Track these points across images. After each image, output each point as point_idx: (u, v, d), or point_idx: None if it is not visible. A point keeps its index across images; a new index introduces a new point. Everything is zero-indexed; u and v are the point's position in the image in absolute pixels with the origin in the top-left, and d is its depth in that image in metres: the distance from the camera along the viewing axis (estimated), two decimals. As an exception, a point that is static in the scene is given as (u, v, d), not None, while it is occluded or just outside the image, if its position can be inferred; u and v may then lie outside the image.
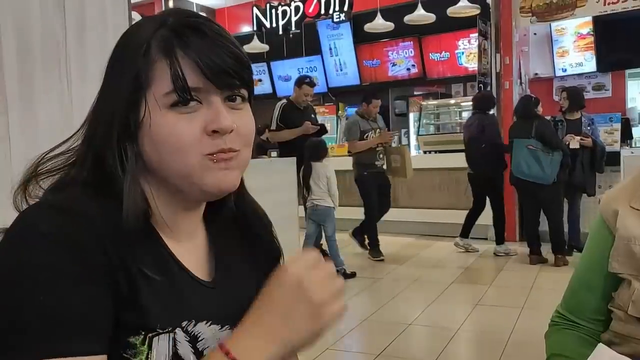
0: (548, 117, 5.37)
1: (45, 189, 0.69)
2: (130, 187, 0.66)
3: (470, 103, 6.92)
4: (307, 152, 4.70)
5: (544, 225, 5.09)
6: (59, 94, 2.27)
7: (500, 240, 5.42)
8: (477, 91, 6.66)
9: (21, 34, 2.12)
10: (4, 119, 2.05)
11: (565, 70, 7.45)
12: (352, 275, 4.64)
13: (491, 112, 5.48)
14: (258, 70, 9.67)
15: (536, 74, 7.48)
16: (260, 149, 8.49)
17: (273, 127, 5.13)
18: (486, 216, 5.52)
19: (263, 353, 0.62)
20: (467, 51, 7.98)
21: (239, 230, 0.83)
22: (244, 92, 0.71)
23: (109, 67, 0.70)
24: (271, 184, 3.37)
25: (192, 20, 0.68)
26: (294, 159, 3.92)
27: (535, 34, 7.25)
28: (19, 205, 0.69)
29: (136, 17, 9.54)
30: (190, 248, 0.75)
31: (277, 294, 0.64)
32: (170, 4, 9.39)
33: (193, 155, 0.66)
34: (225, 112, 0.67)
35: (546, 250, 5.02)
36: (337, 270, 4.20)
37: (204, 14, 0.72)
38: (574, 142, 5.04)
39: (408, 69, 8.53)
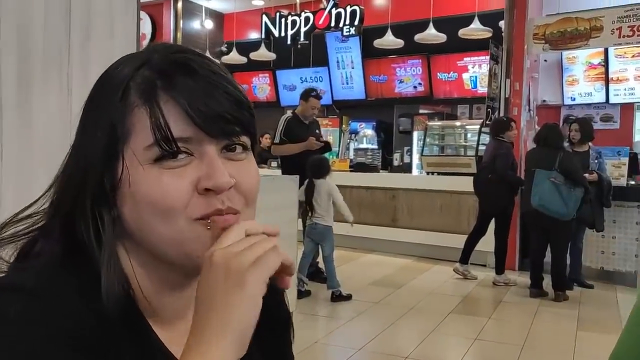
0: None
1: (5, 260, 0.58)
2: (109, 262, 0.54)
3: (477, 127, 6.86)
4: (309, 169, 4.58)
5: (546, 257, 4.97)
6: (58, 100, 2.15)
7: (500, 269, 5.30)
8: (484, 115, 6.58)
9: (23, 36, 2.01)
10: (-3, 125, 1.93)
11: (574, 99, 7.39)
12: (348, 297, 4.51)
13: (507, 138, 5.29)
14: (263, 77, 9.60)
15: (544, 100, 7.41)
16: (260, 158, 8.41)
17: (276, 140, 5.01)
18: (485, 242, 5.40)
19: (219, 352, 0.49)
20: (475, 73, 7.91)
21: None
22: (246, 139, 0.58)
23: (82, 114, 0.58)
24: (272, 203, 3.26)
25: (179, 56, 0.57)
26: (297, 177, 3.80)
27: (545, 60, 7.19)
28: None
29: (144, 17, 9.28)
30: (182, 330, 0.61)
31: (209, 285, 0.51)
32: (179, 5, 9.31)
33: (182, 219, 0.54)
34: (222, 166, 0.55)
35: (546, 282, 4.91)
36: (333, 292, 4.07)
37: (198, 50, 0.60)
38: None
39: (415, 87, 8.46)
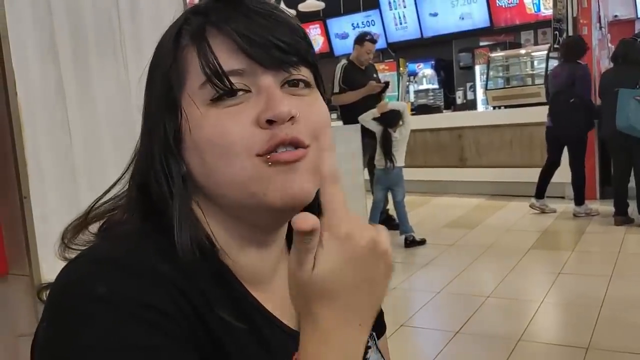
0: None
1: (91, 232, 0.57)
2: (181, 213, 0.52)
3: (543, 52, 6.46)
4: (385, 121, 4.43)
5: (630, 182, 4.69)
6: (115, 72, 2.17)
7: (580, 200, 5.06)
8: (551, 39, 6.18)
9: (73, 14, 2.01)
10: (61, 105, 1.96)
11: (649, 10, 6.80)
12: (422, 242, 4.46)
13: (583, 61, 4.96)
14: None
15: (616, 16, 6.89)
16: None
17: (336, 89, 4.91)
18: (562, 173, 5.15)
19: (359, 343, 0.48)
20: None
21: None
22: (307, 73, 0.54)
23: (146, 79, 0.56)
24: (336, 155, 3.20)
25: None
26: (358, 126, 3.71)
27: (615, -29, 6.63)
28: (63, 252, 0.56)
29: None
30: (270, 292, 0.59)
31: (358, 265, 0.47)
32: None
33: (243, 156, 0.50)
34: (281, 95, 0.51)
35: (631, 208, 4.65)
36: (406, 238, 4.02)
37: None
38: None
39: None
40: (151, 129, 0.54)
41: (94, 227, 0.57)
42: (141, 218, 0.54)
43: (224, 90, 0.50)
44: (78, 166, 2.01)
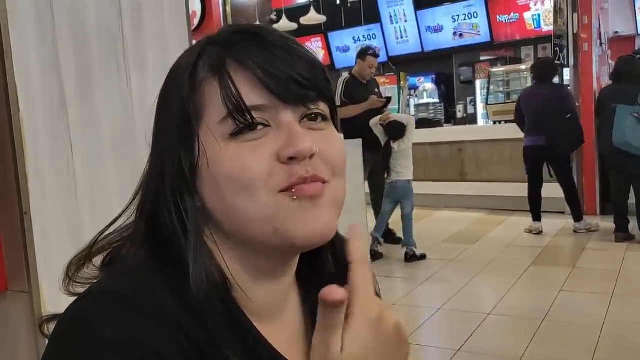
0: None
1: (95, 266, 0.56)
2: (196, 251, 0.51)
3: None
4: (388, 133, 4.46)
5: (629, 199, 4.69)
6: (118, 87, 2.16)
7: (578, 216, 5.04)
8: (551, 54, 6.19)
9: (77, 29, 2.01)
10: (63, 120, 1.96)
11: (649, 27, 6.84)
12: (423, 257, 4.44)
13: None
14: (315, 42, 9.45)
15: (616, 32, 6.91)
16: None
17: (337, 103, 4.91)
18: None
19: None
20: (537, 11, 7.44)
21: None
22: (324, 107, 0.54)
23: (156, 109, 0.55)
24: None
25: (246, 27, 0.53)
26: (360, 141, 3.72)
27: (615, -13, 6.67)
28: (68, 286, 0.56)
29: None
30: (280, 324, 0.58)
31: (385, 348, 0.48)
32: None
33: (265, 192, 0.49)
34: (302, 132, 0.50)
35: (632, 225, 4.64)
36: (407, 253, 3.99)
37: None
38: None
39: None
40: (163, 160, 0.53)
41: (99, 258, 0.56)
42: (147, 251, 0.53)
43: (244, 125, 0.50)
44: (79, 182, 2.00)
